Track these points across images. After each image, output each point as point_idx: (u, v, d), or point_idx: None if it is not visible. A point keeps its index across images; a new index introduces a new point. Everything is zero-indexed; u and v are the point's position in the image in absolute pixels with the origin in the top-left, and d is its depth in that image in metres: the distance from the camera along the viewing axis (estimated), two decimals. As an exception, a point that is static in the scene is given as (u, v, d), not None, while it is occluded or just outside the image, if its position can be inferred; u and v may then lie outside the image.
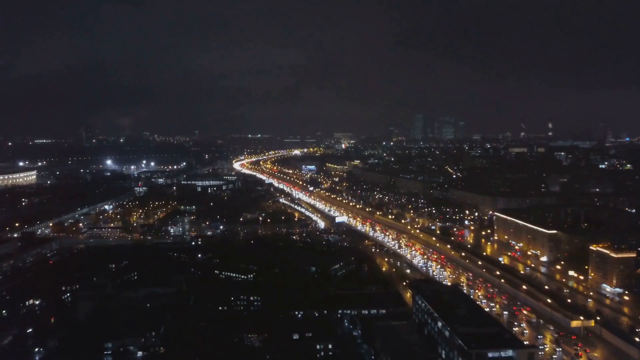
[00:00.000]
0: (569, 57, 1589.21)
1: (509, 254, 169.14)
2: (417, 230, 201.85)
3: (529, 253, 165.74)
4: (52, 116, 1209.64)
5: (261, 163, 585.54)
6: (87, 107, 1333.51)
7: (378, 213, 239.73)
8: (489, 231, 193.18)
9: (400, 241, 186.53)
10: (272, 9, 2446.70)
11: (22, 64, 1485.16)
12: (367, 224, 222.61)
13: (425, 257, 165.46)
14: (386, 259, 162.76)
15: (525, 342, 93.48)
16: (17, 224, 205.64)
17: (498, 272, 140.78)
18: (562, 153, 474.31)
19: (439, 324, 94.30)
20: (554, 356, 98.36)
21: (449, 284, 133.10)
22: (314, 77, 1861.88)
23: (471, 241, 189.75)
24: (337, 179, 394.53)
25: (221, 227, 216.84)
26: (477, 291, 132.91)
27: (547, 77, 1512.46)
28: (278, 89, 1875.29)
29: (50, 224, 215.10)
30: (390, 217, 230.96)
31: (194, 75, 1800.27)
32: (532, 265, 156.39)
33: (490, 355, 79.28)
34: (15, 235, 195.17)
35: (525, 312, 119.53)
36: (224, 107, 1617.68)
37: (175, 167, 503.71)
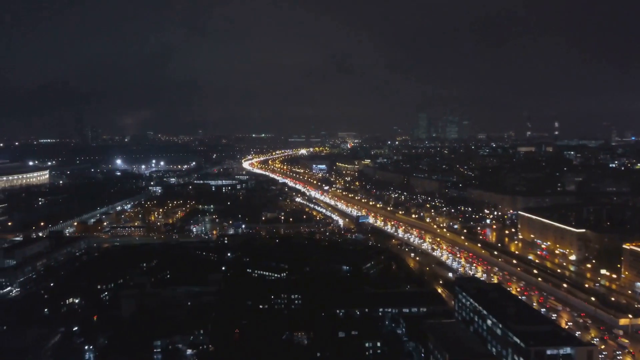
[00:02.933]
0: (570, 57, 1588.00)
1: (538, 252, 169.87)
2: (444, 230, 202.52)
3: (556, 252, 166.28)
4: (54, 116, 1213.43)
5: (270, 162, 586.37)
6: (90, 107, 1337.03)
7: (400, 212, 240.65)
8: (513, 230, 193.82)
9: (428, 240, 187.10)
10: (275, 9, 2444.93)
11: (25, 65, 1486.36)
12: (389, 223, 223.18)
13: (459, 256, 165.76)
14: (417, 258, 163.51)
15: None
16: (42, 223, 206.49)
17: (535, 271, 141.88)
18: (572, 152, 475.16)
19: (489, 321, 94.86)
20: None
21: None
22: (316, 76, 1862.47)
23: (494, 240, 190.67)
24: (348, 178, 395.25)
25: (243, 226, 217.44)
26: (513, 288, 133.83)
27: (548, 77, 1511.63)
28: (280, 89, 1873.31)
29: (75, 223, 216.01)
30: (414, 216, 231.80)
31: (196, 75, 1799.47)
32: (563, 264, 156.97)
33: (548, 352, 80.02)
34: (40, 234, 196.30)
35: (551, 301, 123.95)
36: (226, 106, 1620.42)
37: (185, 166, 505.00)
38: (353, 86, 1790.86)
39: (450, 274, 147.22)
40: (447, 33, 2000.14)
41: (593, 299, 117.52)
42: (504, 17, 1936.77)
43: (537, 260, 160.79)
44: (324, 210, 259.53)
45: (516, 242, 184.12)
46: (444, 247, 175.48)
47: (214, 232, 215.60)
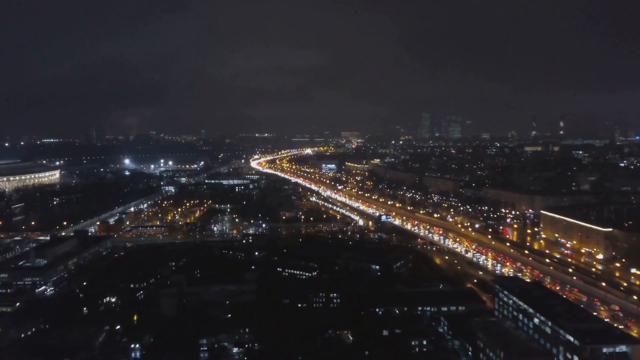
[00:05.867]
0: (570, 57, 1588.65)
1: (563, 251, 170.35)
2: (469, 229, 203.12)
3: (582, 251, 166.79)
4: (57, 116, 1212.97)
5: (277, 162, 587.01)
6: (92, 107, 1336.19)
7: (421, 212, 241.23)
8: (535, 229, 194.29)
9: (456, 239, 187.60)
10: (277, 10, 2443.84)
11: (26, 64, 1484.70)
12: (409, 222, 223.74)
13: (489, 255, 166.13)
14: (446, 257, 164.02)
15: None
16: (64, 223, 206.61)
17: (571, 270, 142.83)
18: (580, 152, 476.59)
19: (536, 320, 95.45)
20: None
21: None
22: (319, 77, 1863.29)
23: (515, 239, 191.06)
24: (359, 178, 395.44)
25: (264, 225, 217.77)
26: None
27: (547, 77, 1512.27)
28: (284, 88, 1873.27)
29: (98, 223, 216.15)
30: (435, 215, 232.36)
31: (199, 74, 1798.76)
32: (592, 262, 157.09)
33: (604, 350, 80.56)
34: (63, 233, 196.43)
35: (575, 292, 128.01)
36: (229, 106, 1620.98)
37: (193, 166, 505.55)
38: (354, 86, 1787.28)
39: (481, 273, 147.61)
40: (449, 32, 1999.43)
41: (635, 297, 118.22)
42: (505, 16, 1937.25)
43: (569, 260, 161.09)
44: (341, 210, 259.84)
45: (540, 241, 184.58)
46: (472, 247, 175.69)
47: (234, 231, 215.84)
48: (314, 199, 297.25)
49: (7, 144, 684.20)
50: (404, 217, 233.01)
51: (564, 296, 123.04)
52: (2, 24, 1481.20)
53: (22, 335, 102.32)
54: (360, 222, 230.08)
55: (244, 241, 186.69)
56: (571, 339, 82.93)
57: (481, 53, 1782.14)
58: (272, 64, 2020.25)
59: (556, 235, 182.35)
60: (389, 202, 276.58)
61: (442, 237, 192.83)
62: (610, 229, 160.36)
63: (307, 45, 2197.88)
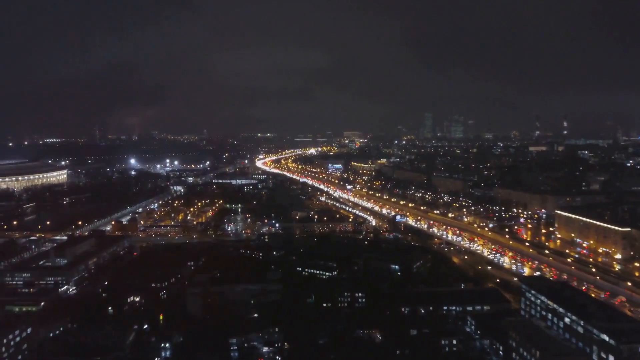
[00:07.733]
0: (571, 57, 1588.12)
1: (581, 251, 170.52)
2: (486, 229, 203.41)
3: (599, 250, 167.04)
4: (59, 116, 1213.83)
5: (282, 162, 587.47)
6: (94, 107, 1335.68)
7: (435, 212, 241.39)
8: (550, 229, 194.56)
9: (472, 239, 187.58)
10: (279, 10, 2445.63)
11: (29, 64, 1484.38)
12: (423, 222, 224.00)
13: (510, 255, 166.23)
14: (466, 257, 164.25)
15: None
16: (79, 222, 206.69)
17: (594, 270, 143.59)
18: (585, 152, 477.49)
19: (566, 319, 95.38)
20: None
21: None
22: (321, 77, 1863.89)
23: (529, 239, 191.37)
24: (366, 178, 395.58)
25: (277, 225, 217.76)
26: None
27: (550, 77, 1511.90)
28: (286, 88, 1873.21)
29: (113, 222, 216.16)
30: (450, 215, 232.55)
31: (200, 74, 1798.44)
32: (611, 262, 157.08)
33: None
34: (78, 232, 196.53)
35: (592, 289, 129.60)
36: (230, 106, 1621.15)
37: (199, 166, 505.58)
38: (356, 86, 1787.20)
39: (501, 273, 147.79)
40: (451, 33, 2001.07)
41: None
42: (506, 16, 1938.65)
43: (591, 259, 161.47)
44: (353, 210, 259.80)
45: (556, 241, 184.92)
46: (490, 246, 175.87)
47: (247, 230, 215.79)
48: (323, 198, 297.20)
49: (10, 144, 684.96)
50: (418, 217, 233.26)
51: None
52: (7, 23, 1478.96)
53: (51, 335, 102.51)
54: (373, 222, 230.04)
55: (260, 241, 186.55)
56: (606, 338, 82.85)
57: (483, 53, 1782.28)
58: (274, 64, 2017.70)
59: (572, 235, 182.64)
60: (401, 202, 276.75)
61: (458, 237, 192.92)
62: (629, 229, 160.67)
63: (310, 46, 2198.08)
